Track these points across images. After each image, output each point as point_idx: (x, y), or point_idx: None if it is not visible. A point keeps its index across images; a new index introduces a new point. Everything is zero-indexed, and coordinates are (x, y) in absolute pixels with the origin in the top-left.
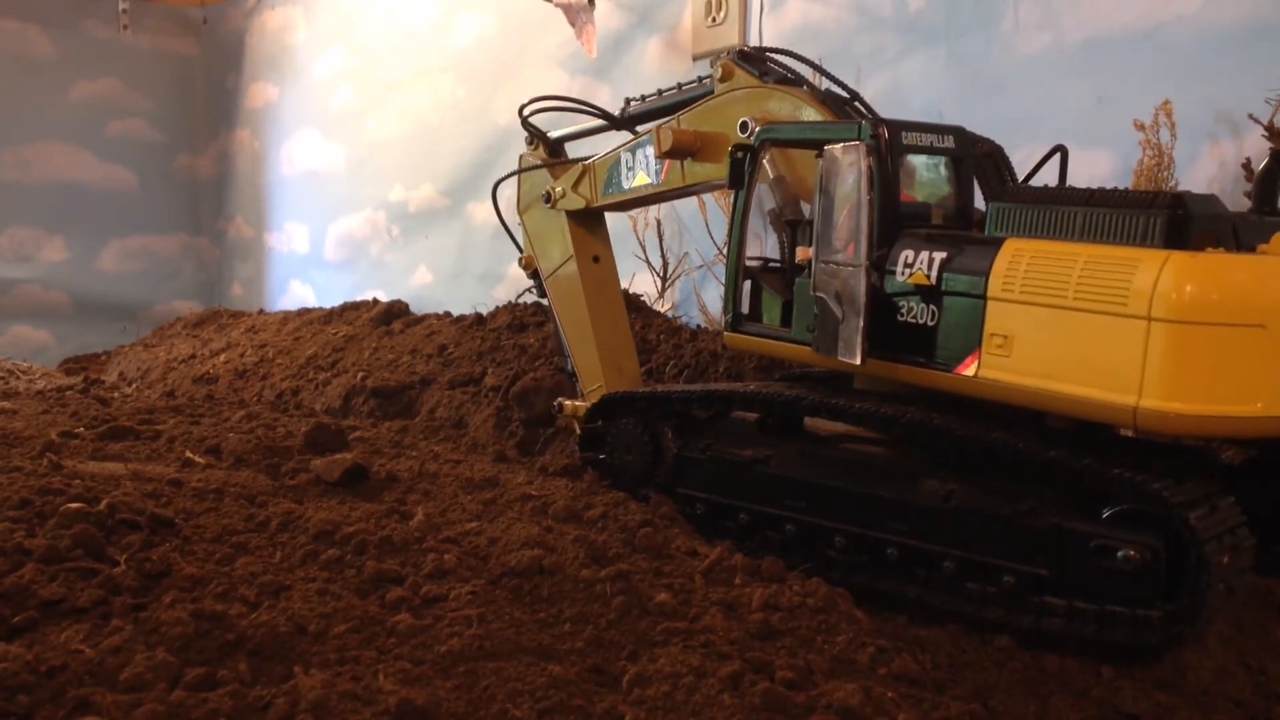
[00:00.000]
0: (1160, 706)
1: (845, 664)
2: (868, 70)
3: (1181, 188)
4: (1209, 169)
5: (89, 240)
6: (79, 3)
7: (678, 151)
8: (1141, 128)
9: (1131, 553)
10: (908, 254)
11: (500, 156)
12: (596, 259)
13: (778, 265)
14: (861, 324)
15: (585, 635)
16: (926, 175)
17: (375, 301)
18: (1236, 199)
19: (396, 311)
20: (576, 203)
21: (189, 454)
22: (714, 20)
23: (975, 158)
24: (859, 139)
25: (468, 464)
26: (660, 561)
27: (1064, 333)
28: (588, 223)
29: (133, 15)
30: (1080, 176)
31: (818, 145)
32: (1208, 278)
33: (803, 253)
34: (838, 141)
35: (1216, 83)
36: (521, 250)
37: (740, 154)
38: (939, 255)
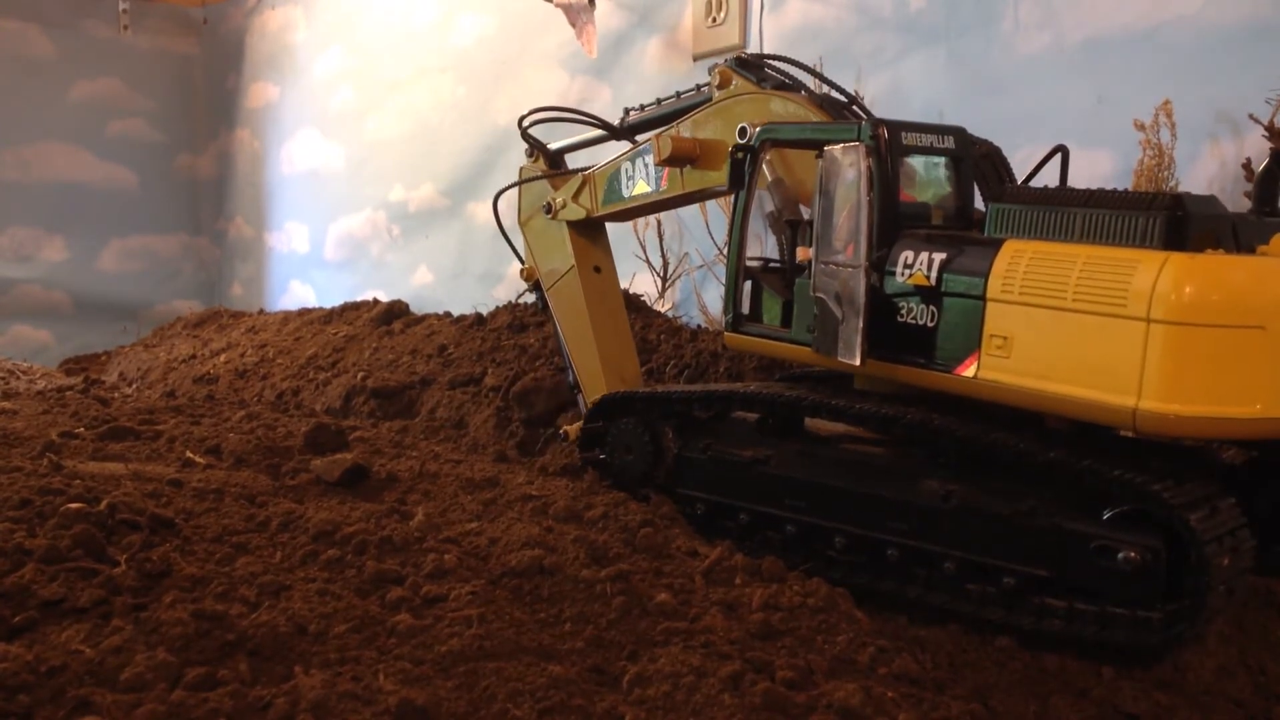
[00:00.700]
0: (1160, 706)
1: (846, 664)
2: (868, 70)
3: (1182, 188)
4: (1209, 169)
5: (89, 240)
6: (79, 2)
7: (677, 159)
8: (1142, 128)
9: (1132, 554)
10: (907, 255)
11: (500, 156)
12: (598, 269)
13: (778, 265)
14: (861, 325)
15: (585, 635)
16: (926, 176)
17: (375, 301)
18: (1237, 199)
19: (397, 311)
20: (577, 213)
21: (189, 454)
22: (714, 20)
23: (974, 158)
24: (859, 140)
25: (468, 464)
26: (660, 561)
27: (1063, 334)
28: (589, 233)
29: (133, 15)
30: (1081, 176)
31: (818, 146)
32: (1207, 279)
33: (803, 253)
34: (837, 142)
35: (1217, 83)
36: (523, 261)
37: (740, 155)
38: (939, 256)
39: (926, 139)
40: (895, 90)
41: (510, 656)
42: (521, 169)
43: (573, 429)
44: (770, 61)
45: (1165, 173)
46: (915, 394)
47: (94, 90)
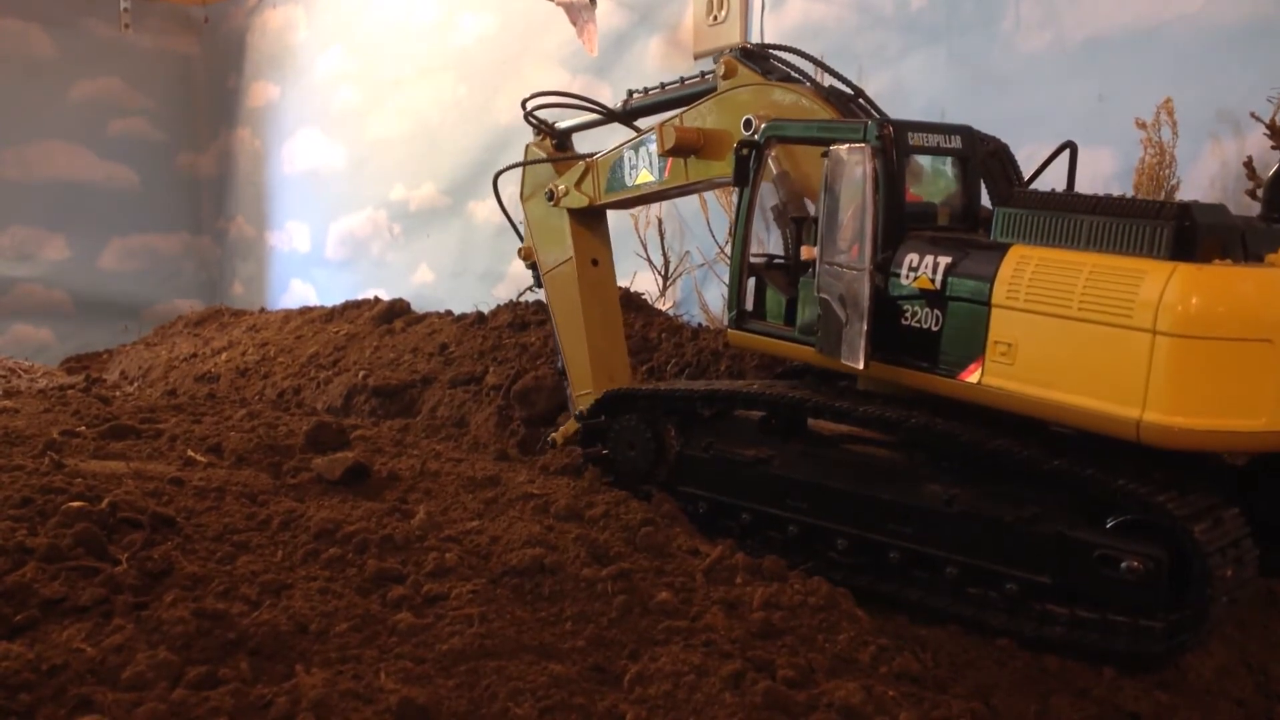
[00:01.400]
0: (1161, 706)
1: (847, 663)
2: (869, 69)
3: (1183, 186)
4: (1211, 167)
5: (90, 239)
6: (80, 2)
7: (680, 149)
8: (1143, 126)
9: (1135, 563)
10: (912, 258)
11: (501, 155)
12: (595, 262)
13: (782, 262)
14: (865, 327)
15: (586, 634)
16: (933, 175)
17: (376, 300)
18: (1238, 197)
19: (398, 310)
20: (579, 201)
21: (190, 453)
22: (715, 19)
23: (982, 156)
24: (865, 140)
25: (469, 463)
26: (662, 560)
27: (1068, 342)
28: (589, 222)
29: (134, 14)
30: (1083, 175)
31: (823, 143)
32: (1214, 291)
33: (807, 251)
34: (843, 142)
35: (1218, 81)
36: (522, 240)
37: (745, 151)
38: (944, 260)
39: (933, 139)
40: (896, 89)
41: (511, 655)
42: (527, 147)
43: (560, 434)
44: (775, 53)
45: (1166, 171)
46: (919, 395)
47: (95, 89)
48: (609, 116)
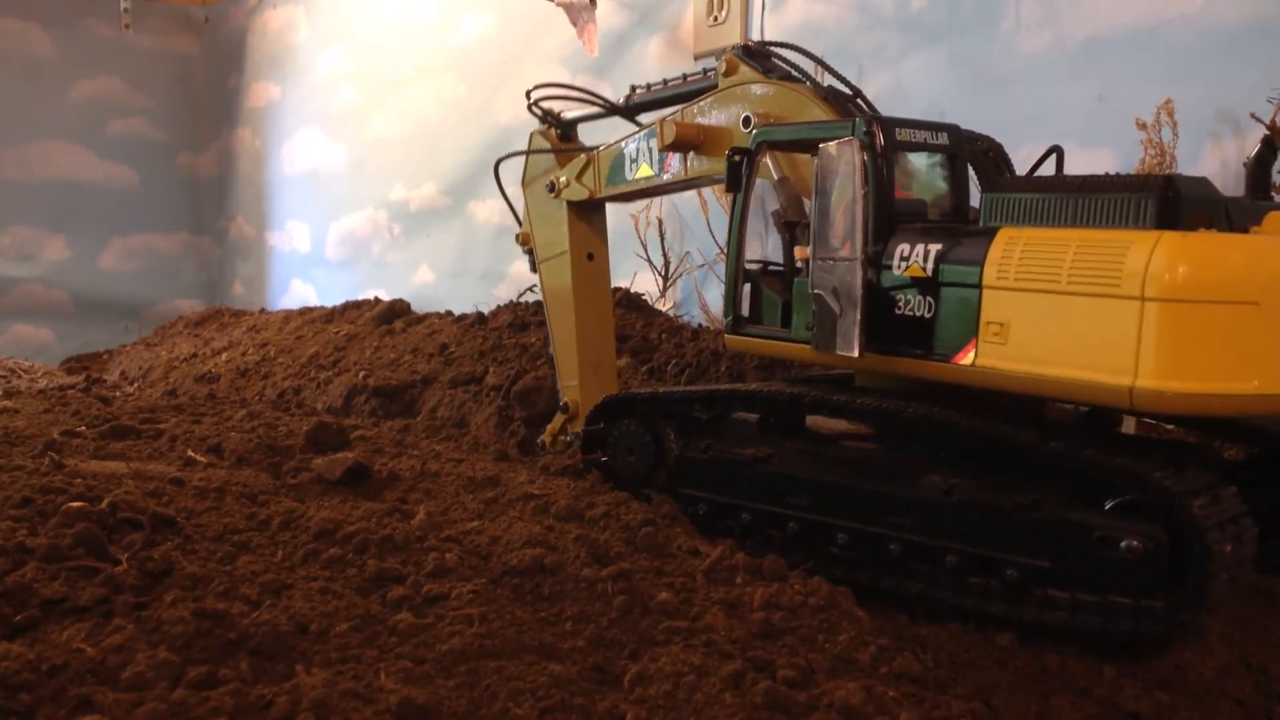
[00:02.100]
0: (1162, 705)
1: (847, 663)
2: (869, 69)
3: None
4: (1211, 168)
5: (90, 239)
6: (80, 2)
7: (680, 145)
8: (1143, 127)
9: (1134, 543)
10: (903, 248)
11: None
12: (591, 256)
13: (778, 268)
14: (859, 317)
15: (587, 634)
16: (921, 172)
17: (377, 300)
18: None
19: (398, 310)
20: (580, 193)
21: (191, 453)
22: (715, 19)
23: (975, 155)
24: (853, 135)
25: (469, 463)
26: (662, 560)
27: (1059, 317)
28: (587, 215)
29: (134, 14)
30: None
31: (813, 146)
32: (1200, 256)
33: (800, 252)
34: (832, 139)
35: (1218, 81)
36: (520, 224)
37: (738, 157)
38: (934, 247)
39: (921, 135)
40: (896, 89)
41: (511, 655)
42: (532, 135)
43: (548, 433)
44: (776, 51)
45: (1167, 172)
46: (916, 390)
47: (95, 89)
48: (611, 111)
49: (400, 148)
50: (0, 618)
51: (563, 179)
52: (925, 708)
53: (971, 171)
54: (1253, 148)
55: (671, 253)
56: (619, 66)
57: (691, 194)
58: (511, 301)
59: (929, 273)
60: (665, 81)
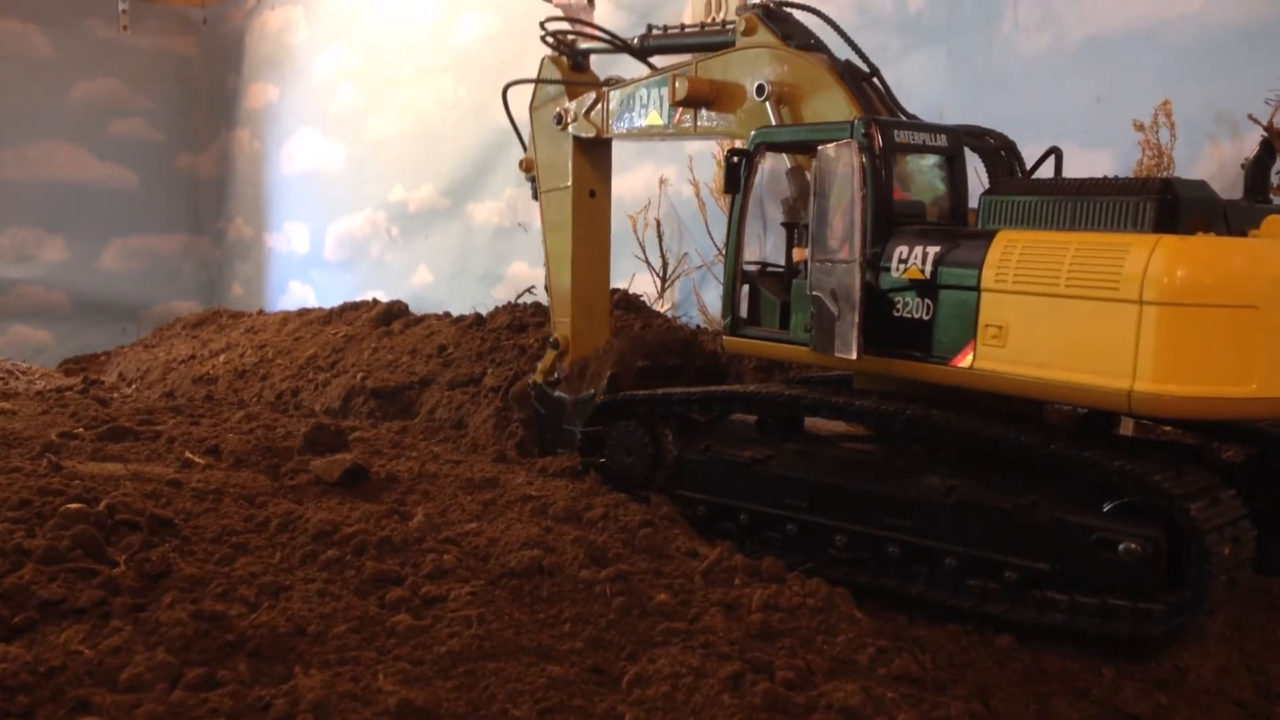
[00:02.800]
0: (1161, 707)
1: (845, 664)
2: None
3: None
4: (1209, 169)
5: (89, 240)
6: (79, 3)
7: (692, 100)
8: (1141, 128)
9: (1133, 545)
10: (902, 250)
11: (501, 155)
12: (593, 194)
13: (776, 269)
14: (857, 319)
15: (585, 636)
16: (920, 174)
17: (375, 302)
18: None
19: (396, 312)
20: (586, 130)
21: (188, 454)
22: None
23: (986, 151)
24: (851, 137)
25: (467, 464)
26: (660, 562)
27: (1057, 320)
28: (593, 152)
29: (133, 15)
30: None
31: (811, 148)
32: (1199, 260)
33: (799, 253)
34: (830, 141)
35: (1216, 83)
36: (525, 150)
37: (736, 159)
38: (933, 250)
39: (919, 137)
40: (896, 89)
41: (510, 657)
42: (543, 60)
43: (539, 372)
44: (795, 17)
45: (1164, 172)
46: (914, 392)
47: (94, 90)
48: (624, 49)
49: (399, 149)
50: None
51: (571, 111)
52: (924, 709)
53: (981, 167)
54: (1251, 150)
55: (670, 254)
56: (618, 67)
57: (690, 195)
58: (510, 303)
59: (927, 275)
60: (683, 27)
